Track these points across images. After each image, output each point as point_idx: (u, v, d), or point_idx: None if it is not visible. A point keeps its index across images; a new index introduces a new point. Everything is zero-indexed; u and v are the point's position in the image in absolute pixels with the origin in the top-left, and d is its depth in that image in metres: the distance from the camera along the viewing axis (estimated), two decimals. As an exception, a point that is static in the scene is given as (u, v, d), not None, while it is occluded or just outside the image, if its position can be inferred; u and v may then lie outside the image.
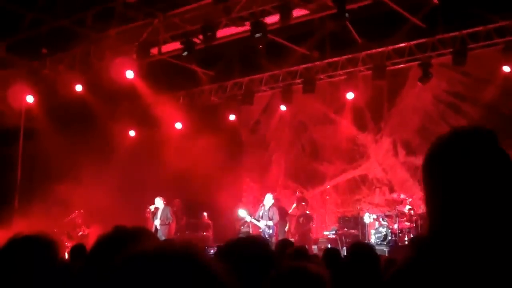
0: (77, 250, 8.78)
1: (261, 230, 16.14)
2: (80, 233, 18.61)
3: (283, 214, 17.13)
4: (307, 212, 17.48)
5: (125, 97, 18.74)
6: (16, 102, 17.89)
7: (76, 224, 18.38)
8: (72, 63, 16.91)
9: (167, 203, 17.41)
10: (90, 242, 17.43)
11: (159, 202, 17.09)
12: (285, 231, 17.36)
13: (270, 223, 15.98)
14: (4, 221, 17.97)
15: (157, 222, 16.85)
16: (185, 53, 15.02)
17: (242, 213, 16.78)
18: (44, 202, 17.22)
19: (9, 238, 2.77)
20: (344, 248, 16.29)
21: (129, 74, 16.56)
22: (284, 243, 7.51)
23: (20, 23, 15.30)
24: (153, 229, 16.89)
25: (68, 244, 17.82)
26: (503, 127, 16.02)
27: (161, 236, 16.39)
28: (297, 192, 18.58)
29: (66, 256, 16.12)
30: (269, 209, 16.21)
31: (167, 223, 16.93)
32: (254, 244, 3.00)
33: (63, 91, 17.41)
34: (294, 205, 17.79)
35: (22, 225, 17.22)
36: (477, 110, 16.53)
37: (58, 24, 15.11)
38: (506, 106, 16.08)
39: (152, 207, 17.10)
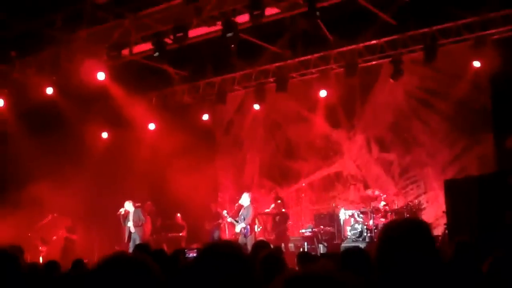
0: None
1: (236, 231, 16.17)
2: (54, 237, 18.45)
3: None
4: (283, 210, 17.51)
5: (97, 98, 18.58)
6: (-15, 106, 17.65)
7: (50, 228, 18.22)
8: (42, 65, 16.68)
9: (139, 205, 17.27)
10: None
11: (128, 205, 16.93)
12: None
13: (243, 224, 15.94)
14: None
15: (130, 225, 16.70)
16: (156, 54, 14.92)
17: (225, 213, 16.87)
18: (17, 206, 17.03)
19: None
20: (320, 245, 16.40)
21: (100, 76, 16.40)
22: (259, 245, 7.44)
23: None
24: (127, 232, 16.79)
25: (43, 249, 17.68)
26: (474, 121, 16.28)
27: (136, 238, 16.29)
28: (272, 193, 18.58)
29: (41, 260, 16.05)
30: (245, 208, 16.20)
31: (140, 224, 16.79)
32: (229, 249, 2.99)
33: (33, 94, 17.21)
34: (273, 205, 17.74)
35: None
36: (448, 105, 16.71)
37: (27, 26, 14.92)
38: (477, 101, 16.27)
39: (122, 210, 16.94)
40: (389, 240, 2.92)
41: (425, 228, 2.96)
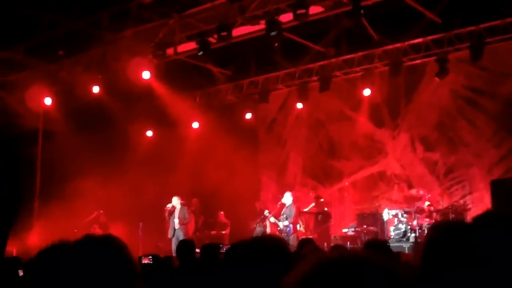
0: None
1: (279, 229, 16.23)
2: (100, 231, 18.71)
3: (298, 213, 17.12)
4: (326, 209, 17.46)
5: (142, 97, 18.83)
6: (34, 104, 18.02)
7: (96, 224, 18.49)
8: (88, 64, 17.00)
9: (185, 202, 17.45)
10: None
11: (176, 201, 17.12)
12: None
13: (286, 222, 15.99)
14: (24, 222, 18.12)
15: (176, 222, 16.90)
16: (200, 53, 15.06)
17: (266, 213, 16.93)
18: (64, 203, 17.33)
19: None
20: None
21: (146, 75, 16.62)
22: (303, 242, 7.47)
23: (37, 25, 15.40)
24: (171, 228, 16.97)
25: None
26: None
27: (180, 235, 16.44)
28: (311, 193, 18.54)
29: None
30: (288, 207, 16.26)
31: (185, 222, 16.97)
32: (270, 243, 3.01)
33: (80, 92, 17.52)
34: (313, 204, 17.73)
35: (42, 226, 17.39)
36: (495, 104, 16.41)
37: (74, 26, 15.21)
38: (524, 100, 15.97)
39: (169, 205, 17.15)
40: (437, 240, 2.88)
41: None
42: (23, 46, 16.56)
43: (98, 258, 2.32)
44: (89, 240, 2.48)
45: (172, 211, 17.08)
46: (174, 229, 16.91)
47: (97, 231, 18.12)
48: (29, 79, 17.68)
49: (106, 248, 2.41)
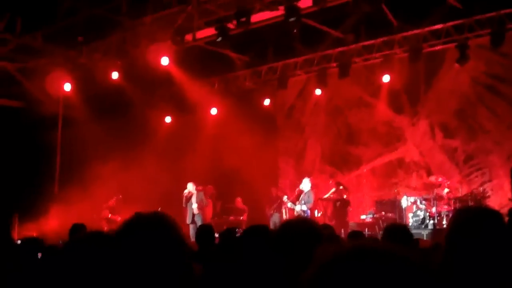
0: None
1: (296, 215, 16.21)
2: (119, 218, 18.83)
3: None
4: (344, 196, 17.44)
5: (161, 83, 18.88)
6: (54, 90, 18.13)
7: (114, 209, 18.62)
8: (108, 50, 17.06)
9: (201, 188, 17.52)
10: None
11: (191, 187, 17.22)
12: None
13: (304, 207, 16.00)
14: (44, 206, 18.31)
15: (194, 207, 17.00)
16: (219, 39, 15.04)
17: (285, 198, 16.96)
18: (83, 188, 17.49)
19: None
20: (382, 232, 16.24)
21: (165, 61, 16.64)
22: (322, 227, 7.47)
23: (56, 12, 15.47)
24: (189, 214, 17.06)
25: (107, 229, 18.09)
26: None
27: (198, 221, 16.54)
28: (330, 181, 18.48)
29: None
30: (306, 193, 16.26)
31: (203, 206, 17.14)
32: (305, 224, 3.03)
33: (99, 78, 17.60)
34: (333, 189, 17.69)
35: (61, 210, 17.55)
36: (516, 91, 16.27)
37: (93, 12, 15.24)
38: (546, 87, 15.79)
39: (186, 192, 17.25)
40: (461, 225, 2.86)
41: (499, 217, 2.88)
42: (42, 32, 16.65)
43: (148, 239, 2.28)
44: (139, 220, 2.44)
45: (189, 197, 17.19)
46: (193, 215, 17.02)
47: (105, 216, 18.34)
48: (49, 65, 17.78)
49: (156, 228, 2.37)
